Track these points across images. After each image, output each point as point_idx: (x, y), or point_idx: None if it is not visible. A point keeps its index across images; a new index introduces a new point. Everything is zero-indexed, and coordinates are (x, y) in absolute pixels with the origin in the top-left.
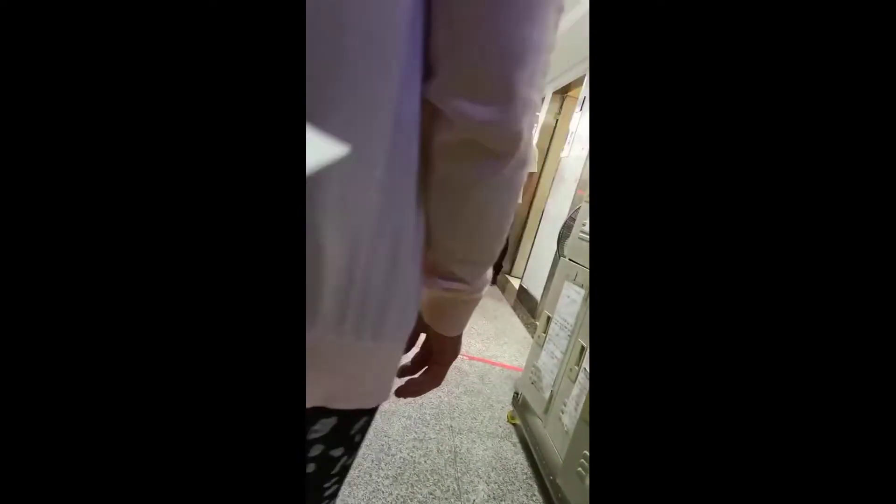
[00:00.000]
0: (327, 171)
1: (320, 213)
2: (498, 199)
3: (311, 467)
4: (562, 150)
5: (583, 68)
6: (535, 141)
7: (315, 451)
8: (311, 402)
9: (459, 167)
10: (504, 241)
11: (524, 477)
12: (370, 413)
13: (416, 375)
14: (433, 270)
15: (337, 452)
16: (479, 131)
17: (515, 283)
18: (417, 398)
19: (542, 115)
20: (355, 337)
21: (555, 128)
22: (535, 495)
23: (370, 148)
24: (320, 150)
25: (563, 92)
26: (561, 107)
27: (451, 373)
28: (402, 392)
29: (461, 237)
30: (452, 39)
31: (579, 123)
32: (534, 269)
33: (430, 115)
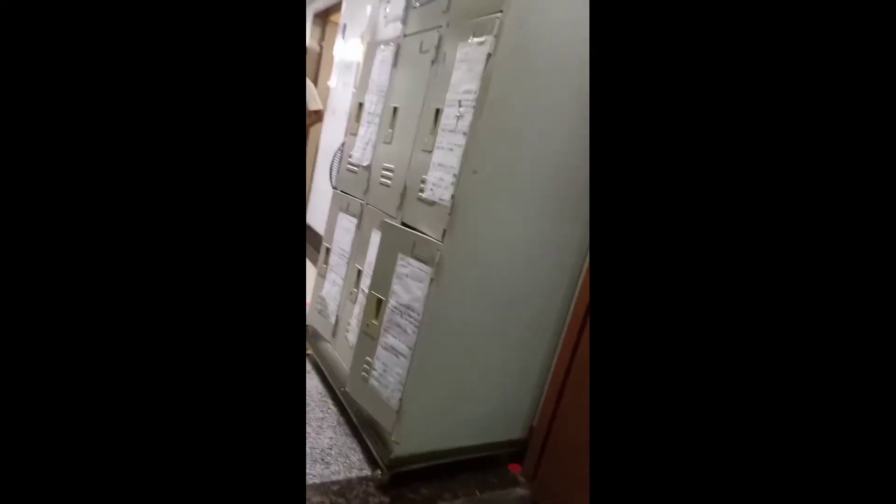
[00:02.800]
0: None
1: None
2: None
3: None
4: (329, 80)
5: None
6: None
7: None
8: None
9: None
10: None
11: (319, 396)
12: None
13: None
14: None
15: None
16: None
17: None
18: None
19: (307, 41)
20: None
21: (320, 55)
22: (329, 408)
23: None
24: None
25: (325, 16)
26: (323, 32)
27: None
28: None
29: None
30: None
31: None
32: (316, 205)
33: None
